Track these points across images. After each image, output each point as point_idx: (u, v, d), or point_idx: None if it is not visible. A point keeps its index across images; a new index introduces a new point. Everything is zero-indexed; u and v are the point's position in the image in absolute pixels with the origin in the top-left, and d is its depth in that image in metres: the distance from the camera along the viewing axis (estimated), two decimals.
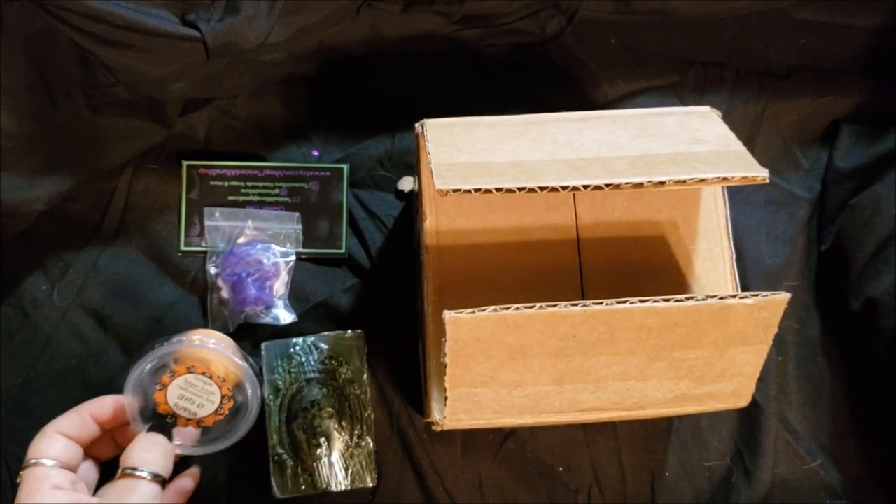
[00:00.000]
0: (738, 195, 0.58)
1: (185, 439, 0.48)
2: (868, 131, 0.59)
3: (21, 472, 0.43)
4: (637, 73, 0.60)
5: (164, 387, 0.47)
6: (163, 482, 0.44)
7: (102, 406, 0.47)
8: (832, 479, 0.55)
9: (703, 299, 0.39)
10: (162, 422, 0.47)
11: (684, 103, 0.60)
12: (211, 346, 0.48)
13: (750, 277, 0.57)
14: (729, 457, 0.55)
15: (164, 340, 0.48)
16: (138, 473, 0.43)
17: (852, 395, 0.56)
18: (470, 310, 0.38)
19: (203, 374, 0.47)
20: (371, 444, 0.51)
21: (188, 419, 0.47)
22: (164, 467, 0.44)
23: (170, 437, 0.46)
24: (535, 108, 0.48)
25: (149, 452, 0.44)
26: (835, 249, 0.57)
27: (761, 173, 0.40)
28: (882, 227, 0.54)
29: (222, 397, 0.47)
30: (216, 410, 0.47)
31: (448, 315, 0.38)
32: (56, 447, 0.44)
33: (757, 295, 0.39)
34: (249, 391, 0.48)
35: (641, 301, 0.39)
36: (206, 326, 0.55)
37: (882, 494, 0.54)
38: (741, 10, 0.58)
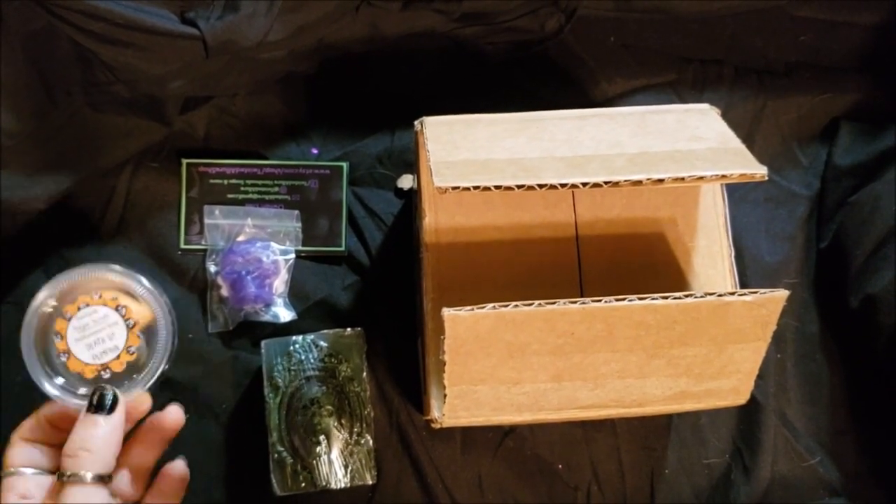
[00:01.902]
0: (737, 192, 0.58)
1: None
2: (867, 129, 0.59)
3: None
4: (636, 71, 0.60)
5: (69, 353, 0.41)
6: (108, 478, 0.40)
7: (52, 407, 0.43)
8: (831, 475, 0.55)
9: (701, 297, 0.39)
10: (98, 384, 0.41)
11: (683, 101, 0.60)
12: (63, 281, 0.41)
13: (749, 275, 0.57)
14: (728, 454, 0.55)
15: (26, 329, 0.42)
16: (82, 476, 0.39)
17: (851, 392, 0.56)
18: (469, 307, 0.38)
19: (80, 307, 0.41)
20: (370, 442, 0.51)
21: (118, 356, 0.42)
22: (106, 461, 0.40)
23: (113, 398, 0.41)
24: (534, 106, 0.48)
25: (85, 450, 0.39)
26: (834, 247, 0.57)
27: (760, 171, 0.40)
28: (881, 225, 0.54)
29: (118, 308, 0.42)
30: (129, 326, 0.42)
31: (447, 312, 0.38)
32: (21, 455, 0.41)
33: (756, 292, 0.39)
34: (139, 290, 0.42)
35: (640, 298, 0.39)
36: (206, 325, 0.55)
37: (881, 491, 0.55)
38: (740, 7, 0.58)
